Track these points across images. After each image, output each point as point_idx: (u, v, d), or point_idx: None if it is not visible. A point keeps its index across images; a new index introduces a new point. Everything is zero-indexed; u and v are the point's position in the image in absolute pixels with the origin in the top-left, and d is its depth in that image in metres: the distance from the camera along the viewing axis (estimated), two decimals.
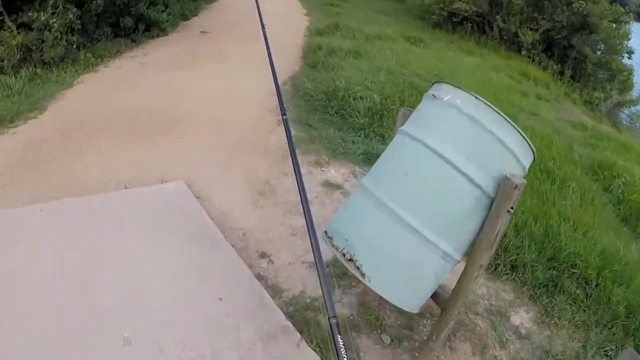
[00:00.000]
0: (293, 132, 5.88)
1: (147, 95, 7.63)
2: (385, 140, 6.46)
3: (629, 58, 16.64)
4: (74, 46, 9.34)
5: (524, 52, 15.89)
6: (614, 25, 15.62)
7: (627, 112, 17.08)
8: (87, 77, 8.48)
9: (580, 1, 14.15)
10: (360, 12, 18.29)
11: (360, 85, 7.73)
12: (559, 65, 15.84)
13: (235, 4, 17.74)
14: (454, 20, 17.44)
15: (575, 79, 16.26)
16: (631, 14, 16.27)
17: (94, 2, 10.01)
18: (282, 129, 5.05)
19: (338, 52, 9.98)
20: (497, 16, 16.48)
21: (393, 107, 7.04)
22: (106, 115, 6.69)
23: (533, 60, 15.71)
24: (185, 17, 14.29)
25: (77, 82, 8.15)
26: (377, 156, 2.93)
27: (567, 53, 16.06)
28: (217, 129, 6.51)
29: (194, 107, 7.17)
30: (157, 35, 12.04)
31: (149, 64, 9.60)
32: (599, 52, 15.93)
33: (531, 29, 15.85)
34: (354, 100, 7.31)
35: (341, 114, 7.14)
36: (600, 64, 16.11)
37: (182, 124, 6.57)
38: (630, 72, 16.58)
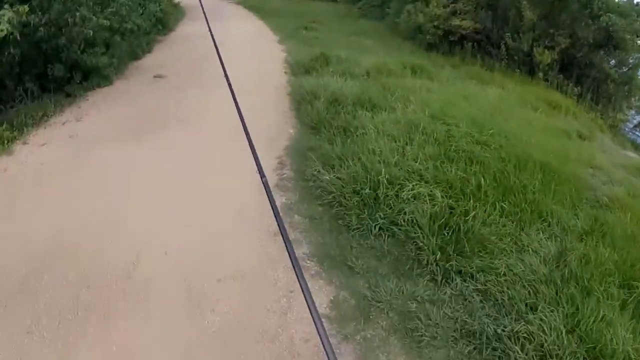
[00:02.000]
0: (321, 288, 3.76)
1: (66, 211, 4.79)
2: (473, 277, 3.84)
3: None
4: None
5: (540, 74, 13.56)
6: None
7: None
8: None
9: (608, 14, 11.90)
10: (340, 35, 15.77)
11: (404, 169, 5.09)
12: (579, 87, 13.58)
13: (194, 33, 14.99)
14: (451, 39, 15.05)
15: (593, 100, 14.08)
16: None
17: (7, 52, 7.24)
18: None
19: (343, 101, 7.30)
20: (505, 33, 14.13)
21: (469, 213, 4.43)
22: None
23: (550, 83, 13.41)
24: (136, 56, 11.41)
25: None
26: None
27: (586, 72, 13.83)
28: (186, 297, 3.70)
29: (144, 239, 4.33)
30: (99, 85, 9.20)
31: (82, 136, 6.81)
32: (624, 69, 13.76)
33: (547, 48, 13.54)
34: (402, 200, 4.64)
35: (391, 231, 4.42)
36: (623, 82, 13.95)
37: (122, 291, 3.74)
38: None
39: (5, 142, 6.51)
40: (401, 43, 15.38)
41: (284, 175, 5.40)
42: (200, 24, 18.13)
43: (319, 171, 5.25)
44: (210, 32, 3.65)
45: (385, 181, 4.84)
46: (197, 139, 6.48)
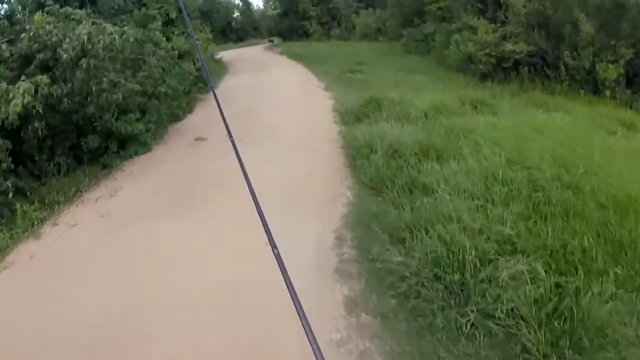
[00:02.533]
0: None
1: (82, 311, 4.04)
2: None
3: None
4: (9, 195, 6.30)
5: (606, 92, 12.20)
6: None
7: None
8: (20, 252, 5.37)
9: None
10: (387, 74, 15.00)
11: (493, 238, 4.08)
12: None
13: (236, 88, 14.60)
14: (505, 66, 13.94)
15: None
16: None
17: (30, 126, 6.85)
18: None
19: (404, 152, 6.38)
20: (562, 52, 12.91)
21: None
22: None
23: (618, 100, 12.04)
24: (176, 118, 10.98)
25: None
26: None
27: None
28: None
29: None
30: (137, 153, 8.71)
31: (115, 215, 6.24)
32: None
33: (610, 62, 12.21)
34: (497, 284, 3.60)
35: (487, 328, 3.34)
36: None
37: None
38: None
39: (35, 223, 6.08)
40: (452, 76, 14.41)
41: (344, 256, 4.44)
42: (242, 78, 17.89)
43: (387, 249, 4.27)
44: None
45: (472, 258, 3.82)
46: (239, 212, 5.68)
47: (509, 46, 13.17)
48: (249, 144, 8.17)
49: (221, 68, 22.09)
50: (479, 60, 13.68)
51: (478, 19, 14.72)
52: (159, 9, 11.81)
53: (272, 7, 48.71)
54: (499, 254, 3.96)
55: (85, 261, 5.01)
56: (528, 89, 12.95)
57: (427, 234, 4.27)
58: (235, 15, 54.46)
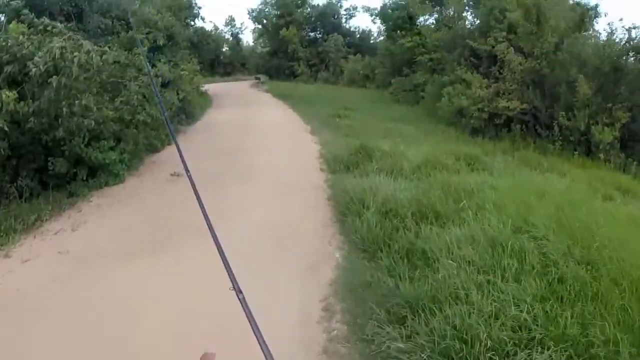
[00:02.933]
0: None
1: None
2: None
3: None
4: None
5: (600, 154, 12.01)
6: None
7: None
8: None
9: None
10: (375, 122, 14.66)
11: (508, 324, 3.52)
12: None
13: (220, 123, 14.09)
14: (497, 122, 13.74)
15: None
16: None
17: None
18: None
19: (399, 211, 5.80)
20: (557, 112, 12.75)
21: None
22: None
23: (612, 164, 11.83)
24: (153, 149, 10.32)
25: None
26: None
27: None
28: None
29: None
30: (107, 184, 8.03)
31: (74, 253, 5.56)
32: None
33: (606, 124, 12.06)
34: None
35: None
36: None
37: None
38: None
39: None
40: (443, 128, 14.15)
41: (334, 333, 3.76)
42: (226, 112, 17.38)
43: (384, 329, 3.64)
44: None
45: (486, 350, 3.22)
46: (209, 258, 5.02)
47: (502, 102, 12.98)
48: (228, 187, 7.59)
49: (206, 100, 21.59)
50: (471, 114, 13.44)
51: (471, 73, 14.60)
52: (147, 34, 11.28)
53: (262, 44, 48.90)
54: (516, 345, 3.38)
55: (34, 306, 4.30)
56: (520, 147, 12.73)
57: (432, 314, 3.66)
58: (224, 50, 54.55)
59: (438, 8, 22.73)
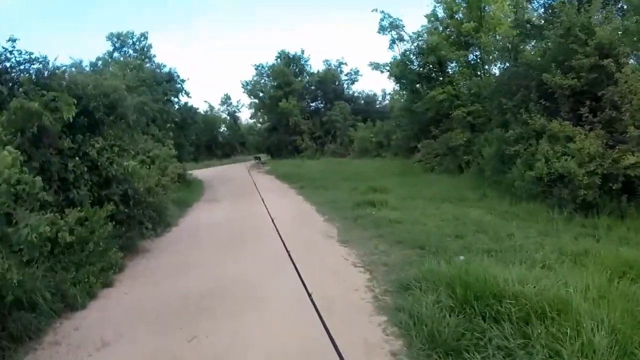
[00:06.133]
0: None
1: None
2: None
3: None
4: None
5: None
6: None
7: None
8: None
9: None
10: (425, 208, 10.01)
11: None
12: None
13: (208, 231, 9.66)
14: (614, 188, 8.96)
15: None
16: None
17: None
18: None
19: None
20: None
21: None
22: None
23: None
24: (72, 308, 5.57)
25: None
26: None
27: None
28: None
29: None
30: None
31: None
32: None
33: None
34: None
35: None
36: None
37: None
38: None
39: None
40: (532, 209, 9.38)
41: None
42: (217, 209, 12.97)
43: None
44: None
45: None
46: None
47: (630, 159, 8.32)
48: None
49: (193, 192, 17.25)
50: (580, 181, 8.66)
51: (549, 121, 10.05)
52: (53, 100, 6.74)
53: (260, 120, 45.28)
54: None
55: None
56: None
57: None
58: (221, 130, 51.59)
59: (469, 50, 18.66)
